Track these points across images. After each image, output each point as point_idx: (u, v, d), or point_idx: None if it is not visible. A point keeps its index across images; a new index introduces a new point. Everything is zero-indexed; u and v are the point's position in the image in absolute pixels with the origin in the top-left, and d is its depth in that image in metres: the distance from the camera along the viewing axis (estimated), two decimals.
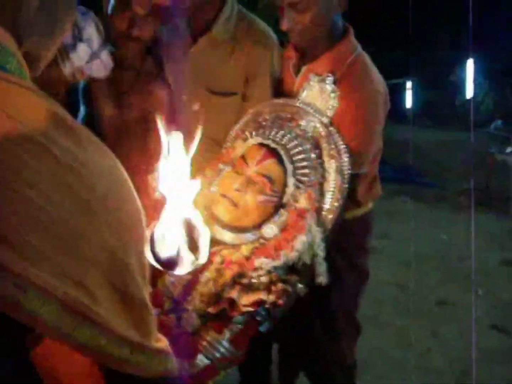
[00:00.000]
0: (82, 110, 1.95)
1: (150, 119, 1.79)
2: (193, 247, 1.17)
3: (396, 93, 7.95)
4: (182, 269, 1.13)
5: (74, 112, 1.97)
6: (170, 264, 1.10)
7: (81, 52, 1.60)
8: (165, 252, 1.09)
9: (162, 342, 0.80)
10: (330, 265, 1.75)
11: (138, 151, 1.66)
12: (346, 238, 1.82)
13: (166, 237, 1.10)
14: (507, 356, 2.88)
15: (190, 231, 1.14)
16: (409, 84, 6.88)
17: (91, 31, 1.63)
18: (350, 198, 1.71)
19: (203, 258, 1.15)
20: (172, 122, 1.85)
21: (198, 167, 1.63)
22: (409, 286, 3.45)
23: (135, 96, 1.79)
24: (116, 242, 0.69)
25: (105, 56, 1.65)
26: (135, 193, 0.75)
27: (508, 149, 5.27)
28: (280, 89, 1.79)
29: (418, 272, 3.72)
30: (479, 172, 5.40)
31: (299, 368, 2.10)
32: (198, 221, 1.15)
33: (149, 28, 1.68)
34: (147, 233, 1.16)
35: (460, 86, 8.31)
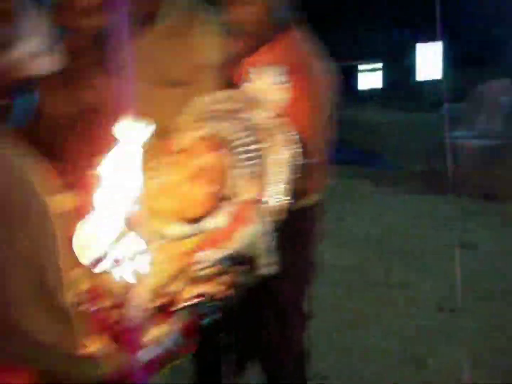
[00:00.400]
0: (36, 98, 1.89)
1: (94, 113, 1.75)
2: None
3: (353, 75, 8.03)
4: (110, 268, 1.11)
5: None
6: (95, 262, 1.09)
7: (28, 48, 1.54)
8: (93, 252, 1.08)
9: (90, 348, 0.79)
10: (281, 256, 1.77)
11: (80, 146, 1.63)
12: (294, 228, 1.82)
13: (95, 237, 1.08)
14: (452, 336, 2.96)
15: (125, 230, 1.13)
16: (379, 65, 6.95)
17: (38, 24, 1.57)
18: (299, 188, 1.74)
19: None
20: (119, 115, 1.82)
21: (145, 158, 1.62)
22: (364, 268, 3.53)
23: (80, 90, 1.74)
24: (34, 255, 0.70)
25: (56, 53, 1.59)
26: (45, 203, 0.74)
27: (461, 133, 5.41)
28: (226, 80, 1.78)
29: (373, 255, 3.81)
30: (433, 155, 5.51)
31: (252, 354, 2.11)
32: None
33: (97, 19, 1.63)
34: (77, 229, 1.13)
35: (413, 69, 8.46)
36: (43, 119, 1.80)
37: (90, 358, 0.78)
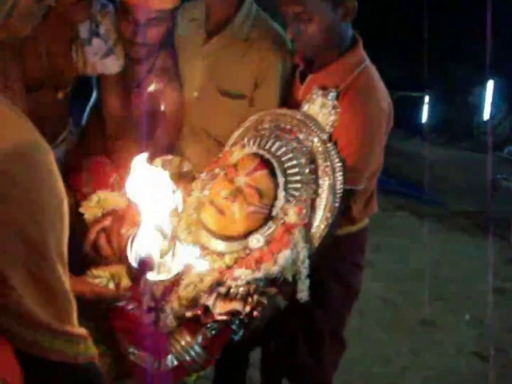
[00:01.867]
0: (94, 93, 1.96)
1: (156, 116, 1.79)
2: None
3: (413, 106, 7.91)
4: (160, 276, 1.14)
5: (87, 94, 1.99)
6: (144, 268, 1.12)
7: (96, 47, 1.58)
8: (141, 256, 1.11)
9: (82, 330, 0.79)
10: (319, 281, 1.74)
11: (139, 146, 1.68)
12: (338, 255, 1.80)
13: (144, 240, 1.11)
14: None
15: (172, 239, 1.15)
16: (426, 99, 6.82)
17: (108, 26, 1.61)
18: (345, 214, 1.68)
19: (177, 268, 1.16)
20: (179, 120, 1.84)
21: (198, 167, 1.63)
22: (395, 302, 3.45)
23: (145, 92, 1.77)
24: (33, 228, 0.69)
25: (119, 52, 1.63)
26: (56, 178, 0.74)
27: None
28: (286, 96, 1.76)
29: (406, 289, 3.72)
30: (484, 196, 5.36)
31: (281, 375, 2.09)
32: (168, 229, 1.16)
33: (152, 33, 1.63)
34: (131, 233, 1.17)
35: (478, 107, 8.23)
36: (100, 117, 1.86)
37: (80, 336, 0.79)
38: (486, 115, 8.22)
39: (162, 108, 1.80)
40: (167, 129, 1.80)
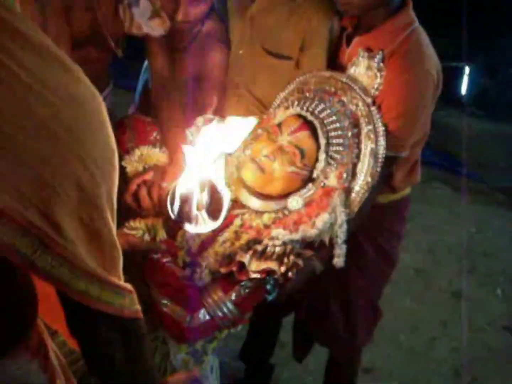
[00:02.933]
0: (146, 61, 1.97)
1: (202, 78, 1.78)
2: (214, 209, 1.18)
3: (452, 76, 7.67)
4: (196, 228, 1.15)
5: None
6: (184, 220, 1.13)
7: (143, 9, 1.59)
8: (180, 208, 1.12)
9: (127, 284, 0.80)
10: (357, 247, 1.72)
11: (185, 107, 1.67)
12: (378, 223, 1.80)
13: (186, 194, 1.11)
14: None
15: (213, 192, 1.15)
16: (467, 70, 6.61)
17: None
18: (386, 182, 1.68)
19: (220, 221, 1.17)
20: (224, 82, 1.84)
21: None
22: (427, 272, 3.43)
23: (191, 55, 1.78)
24: (87, 178, 0.69)
25: (164, 16, 1.64)
26: (109, 129, 0.74)
27: None
28: (332, 59, 1.73)
29: (439, 261, 3.69)
30: None
31: (313, 340, 2.12)
32: (221, 184, 1.16)
33: (194, 11, 1.63)
34: (172, 187, 1.18)
35: None
36: (152, 79, 1.88)
37: (126, 289, 0.79)
38: None
39: (207, 71, 1.79)
40: (211, 91, 1.80)
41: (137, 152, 1.45)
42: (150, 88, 1.87)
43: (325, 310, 1.90)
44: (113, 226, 0.76)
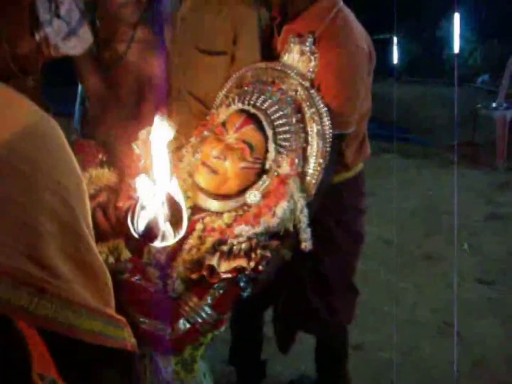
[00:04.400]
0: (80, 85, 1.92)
1: (142, 89, 1.76)
2: (173, 220, 1.16)
3: (382, 48, 7.86)
4: (162, 242, 1.13)
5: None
6: (149, 236, 1.10)
7: (57, 28, 1.55)
8: (144, 225, 1.10)
9: (121, 316, 0.77)
10: (322, 228, 1.75)
11: (128, 122, 1.64)
12: (338, 201, 1.83)
13: (146, 210, 1.10)
14: (491, 308, 2.94)
15: (170, 204, 1.14)
16: (395, 40, 6.77)
17: (70, 6, 1.57)
18: (339, 161, 1.71)
19: (184, 230, 1.15)
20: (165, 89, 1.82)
21: (185, 131, 1.62)
22: (396, 241, 3.49)
23: (127, 66, 1.74)
24: (62, 208, 0.66)
25: (83, 32, 1.60)
26: (71, 153, 0.71)
27: (494, 104, 5.26)
28: (267, 51, 1.75)
29: (405, 228, 3.77)
30: (467, 127, 5.40)
31: (295, 328, 2.12)
32: (178, 194, 1.15)
33: (134, 9, 1.64)
34: (128, 205, 1.15)
35: (447, 41, 8.22)
36: (89, 101, 1.83)
37: (118, 320, 0.76)
38: (456, 49, 8.18)
39: (146, 81, 1.78)
40: (153, 101, 1.78)
41: (86, 175, 1.42)
42: (88, 110, 1.83)
43: (303, 296, 1.91)
44: (97, 251, 0.72)
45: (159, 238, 1.13)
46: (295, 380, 2.40)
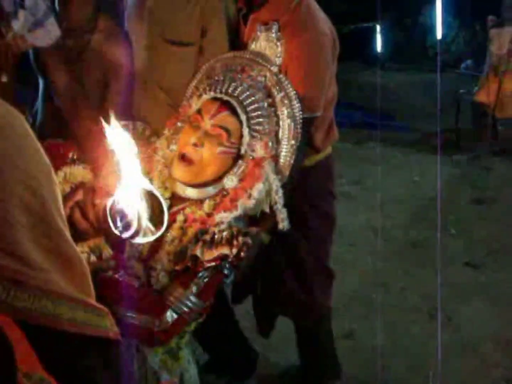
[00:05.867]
0: (41, 82, 1.89)
1: (108, 80, 1.76)
2: (153, 215, 1.17)
3: (366, 37, 7.87)
4: (143, 238, 1.13)
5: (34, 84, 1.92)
6: (130, 233, 1.10)
7: (23, 20, 1.55)
8: (124, 221, 1.09)
9: (101, 305, 0.77)
10: (296, 212, 1.78)
11: (96, 114, 1.65)
12: (310, 184, 1.89)
13: (125, 206, 1.09)
14: (480, 291, 2.98)
15: (149, 199, 1.14)
16: (377, 28, 6.77)
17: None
18: (309, 144, 1.77)
19: (165, 224, 1.16)
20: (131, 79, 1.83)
21: (151, 120, 1.63)
22: (383, 229, 3.52)
23: (91, 60, 1.75)
24: (33, 199, 0.66)
25: (50, 24, 1.60)
26: (37, 142, 0.70)
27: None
28: (234, 41, 1.80)
29: (391, 215, 3.80)
30: (451, 113, 5.43)
31: (275, 313, 2.15)
32: (153, 187, 1.15)
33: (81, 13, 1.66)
34: (106, 202, 1.15)
35: (430, 27, 8.23)
36: (56, 96, 1.82)
37: (104, 310, 0.76)
38: (438, 34, 8.21)
39: (112, 73, 1.78)
40: (119, 91, 1.79)
41: (60, 174, 1.40)
42: (54, 104, 1.82)
43: (279, 278, 1.96)
44: (71, 239, 0.72)
45: (140, 234, 1.13)
46: (287, 371, 2.41)
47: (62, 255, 0.69)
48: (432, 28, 7.87)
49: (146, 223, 1.13)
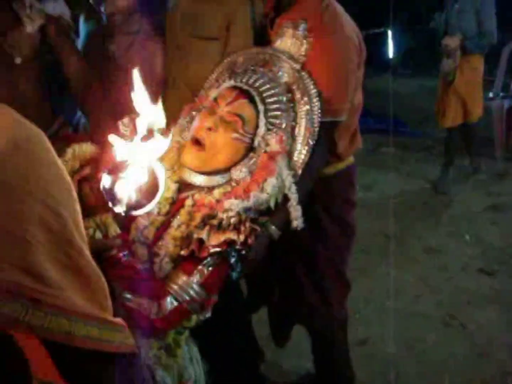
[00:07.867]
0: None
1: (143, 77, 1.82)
2: (148, 189, 1.13)
3: (377, 43, 7.86)
4: (137, 210, 1.10)
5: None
6: (122, 204, 1.08)
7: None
8: (120, 194, 1.07)
9: (117, 318, 0.77)
10: (316, 221, 1.78)
11: (117, 99, 1.72)
12: (330, 193, 1.86)
13: (122, 179, 1.07)
14: (494, 298, 2.95)
15: (148, 172, 1.12)
16: (389, 34, 6.76)
17: None
18: (331, 151, 1.75)
19: (158, 195, 1.12)
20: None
21: (173, 114, 1.64)
22: (396, 235, 3.50)
23: (132, 60, 1.83)
24: (53, 217, 0.66)
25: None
26: (57, 159, 0.71)
27: (490, 94, 5.24)
28: (260, 44, 1.78)
29: (405, 221, 3.77)
30: None
31: (290, 321, 2.13)
32: (155, 162, 1.12)
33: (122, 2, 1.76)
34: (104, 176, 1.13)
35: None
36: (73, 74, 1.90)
37: (120, 325, 0.76)
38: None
39: (148, 70, 1.83)
40: (150, 89, 1.84)
41: (69, 151, 1.36)
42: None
43: (297, 287, 1.93)
44: (90, 255, 0.73)
45: (134, 206, 1.09)
46: (300, 379, 2.40)
47: (81, 273, 0.70)
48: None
49: (139, 194, 1.09)
